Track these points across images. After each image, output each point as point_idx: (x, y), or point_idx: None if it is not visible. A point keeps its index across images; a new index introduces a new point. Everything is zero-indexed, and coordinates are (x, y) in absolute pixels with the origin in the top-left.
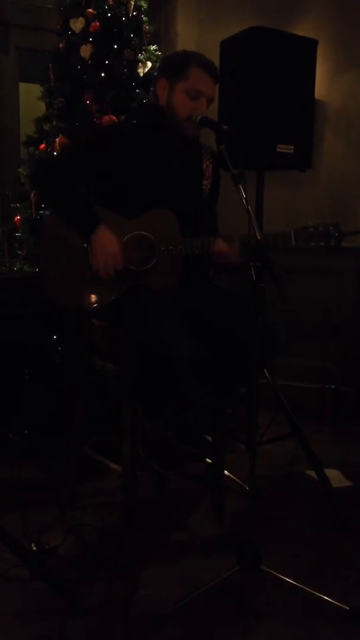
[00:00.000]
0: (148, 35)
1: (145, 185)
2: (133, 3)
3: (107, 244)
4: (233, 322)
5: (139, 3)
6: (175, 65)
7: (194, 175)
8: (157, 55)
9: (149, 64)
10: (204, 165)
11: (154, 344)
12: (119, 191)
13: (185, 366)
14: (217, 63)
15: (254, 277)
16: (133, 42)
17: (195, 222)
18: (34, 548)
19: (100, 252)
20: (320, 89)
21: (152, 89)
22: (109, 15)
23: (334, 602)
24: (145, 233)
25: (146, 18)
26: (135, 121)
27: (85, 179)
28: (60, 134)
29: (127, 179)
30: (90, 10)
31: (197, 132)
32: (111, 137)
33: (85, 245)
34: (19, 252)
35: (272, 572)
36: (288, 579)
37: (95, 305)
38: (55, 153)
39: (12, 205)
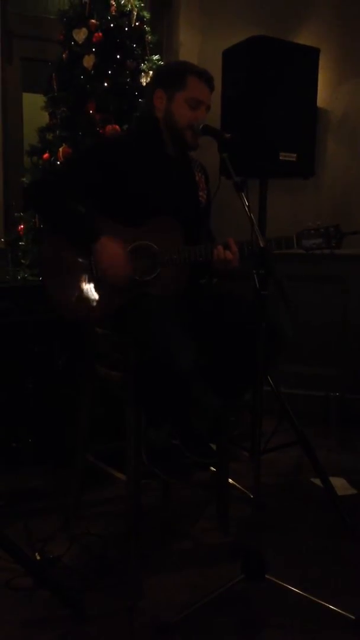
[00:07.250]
0: (150, 45)
1: (146, 194)
2: (135, 13)
3: (110, 252)
4: (238, 325)
5: (141, 13)
6: (172, 76)
7: (190, 184)
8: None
9: (152, 74)
10: (197, 177)
11: (156, 351)
12: (121, 201)
13: (189, 373)
14: (219, 72)
15: (257, 285)
16: (135, 52)
17: (197, 229)
18: (38, 557)
19: (104, 261)
20: (323, 97)
21: (147, 99)
22: (112, 25)
23: (339, 611)
24: (149, 242)
25: (148, 28)
26: (133, 132)
27: (83, 191)
28: (63, 144)
29: (127, 189)
30: (93, 20)
31: (197, 141)
32: (109, 150)
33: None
34: (22, 261)
35: (277, 580)
36: (293, 588)
37: (98, 314)
38: (58, 163)
39: (15, 214)
